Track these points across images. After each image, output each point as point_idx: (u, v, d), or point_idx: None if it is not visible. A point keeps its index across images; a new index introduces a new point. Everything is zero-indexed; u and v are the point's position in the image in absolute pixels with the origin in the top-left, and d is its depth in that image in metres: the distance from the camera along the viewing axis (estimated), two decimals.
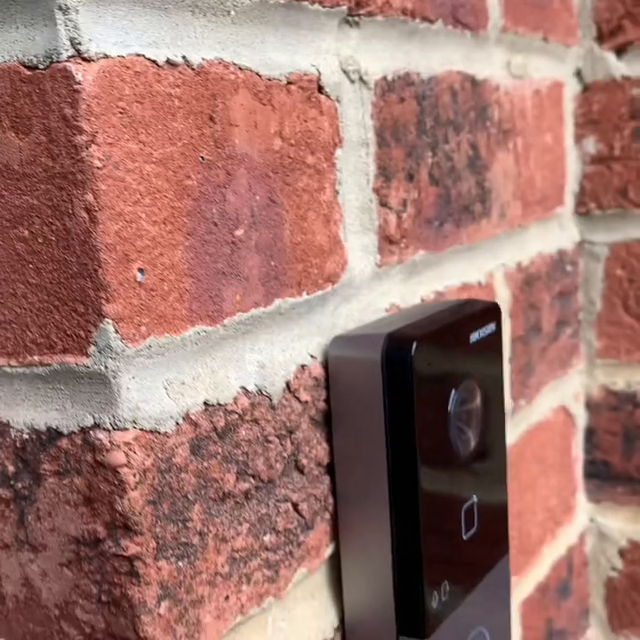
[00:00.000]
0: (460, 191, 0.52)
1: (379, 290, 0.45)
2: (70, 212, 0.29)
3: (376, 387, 0.38)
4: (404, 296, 0.47)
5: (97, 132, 0.28)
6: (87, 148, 0.28)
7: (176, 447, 0.32)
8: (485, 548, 0.44)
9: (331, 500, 0.41)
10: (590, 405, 0.72)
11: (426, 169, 0.48)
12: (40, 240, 0.30)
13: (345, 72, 0.41)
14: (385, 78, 0.44)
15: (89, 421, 0.31)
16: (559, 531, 0.69)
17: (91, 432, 0.31)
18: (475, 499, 0.43)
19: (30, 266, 0.30)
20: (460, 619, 0.42)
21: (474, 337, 0.42)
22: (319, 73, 0.39)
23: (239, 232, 0.35)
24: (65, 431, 0.31)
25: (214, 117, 0.33)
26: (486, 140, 0.55)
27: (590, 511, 0.73)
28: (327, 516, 0.41)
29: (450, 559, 0.41)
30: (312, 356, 0.39)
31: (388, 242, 0.45)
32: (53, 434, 0.32)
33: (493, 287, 0.56)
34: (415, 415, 0.38)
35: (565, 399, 0.69)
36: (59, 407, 0.31)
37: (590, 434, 0.72)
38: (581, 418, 0.72)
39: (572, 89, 0.68)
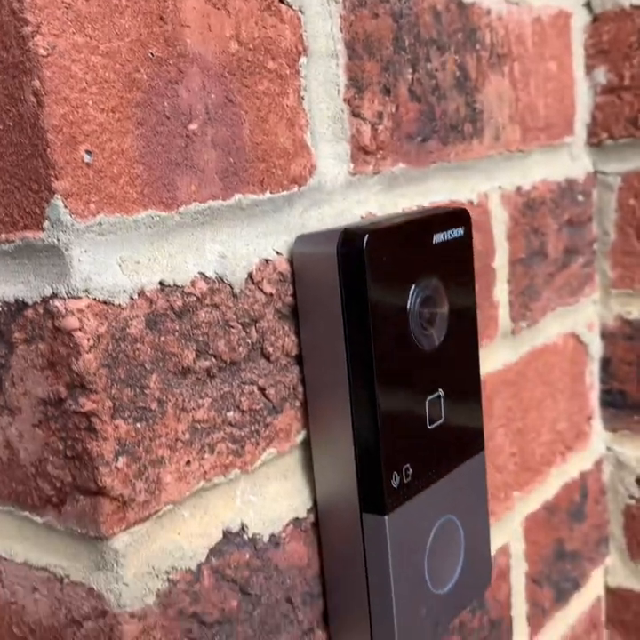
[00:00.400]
0: (446, 110, 0.53)
1: (354, 198, 0.47)
2: (22, 98, 0.32)
3: (333, 280, 0.41)
4: (383, 206, 0.49)
5: (41, 24, 0.32)
6: (33, 38, 0.32)
7: (130, 319, 0.35)
8: (455, 440, 0.46)
9: (300, 389, 0.44)
10: (605, 335, 0.73)
11: (405, 85, 0.50)
12: (0, 126, 0.33)
13: None
14: None
15: (48, 291, 0.34)
16: (570, 455, 0.70)
17: (50, 301, 0.34)
18: (441, 393, 0.45)
19: None
20: (425, 503, 0.44)
21: (437, 238, 0.44)
22: None
23: (193, 126, 0.37)
24: (30, 302, 0.35)
25: (164, 17, 0.36)
26: (476, 62, 0.56)
27: (607, 440, 0.74)
28: (297, 403, 0.43)
29: (412, 445, 0.43)
30: (278, 253, 0.42)
31: (362, 151, 0.47)
32: (20, 305, 0.35)
33: (487, 208, 0.58)
34: (369, 307, 0.40)
35: (577, 327, 0.70)
36: (23, 280, 0.35)
37: (606, 363, 0.73)
38: (596, 347, 0.73)
39: (581, 19, 0.69)
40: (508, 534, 0.62)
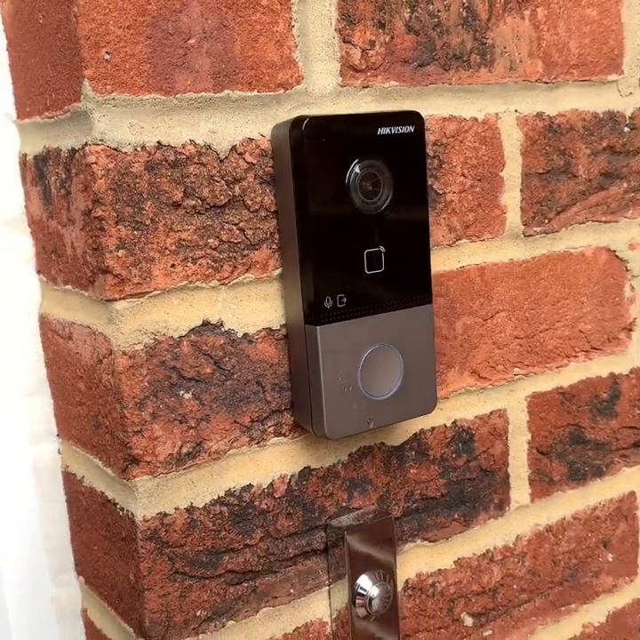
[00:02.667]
0: (449, 42, 0.68)
1: (344, 104, 0.64)
2: (66, 17, 0.54)
3: (287, 156, 0.58)
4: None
5: None
6: None
7: (132, 162, 0.56)
8: (396, 289, 0.62)
9: (277, 236, 0.62)
10: None
11: (402, 21, 0.65)
12: (51, 30, 0.55)
13: None
14: None
15: (83, 142, 0.55)
16: (596, 355, 0.80)
17: (84, 147, 0.55)
18: (382, 249, 0.61)
19: (48, 50, 0.56)
20: (360, 327, 0.60)
21: (383, 131, 0.60)
22: None
23: (191, 41, 0.57)
24: (77, 147, 0.56)
25: None
26: (488, 5, 0.69)
27: None
28: (274, 246, 0.62)
29: (347, 281, 0.60)
30: (262, 135, 0.60)
31: (351, 69, 0.64)
32: (73, 151, 0.57)
33: (494, 125, 0.71)
34: (307, 177, 0.57)
35: (615, 243, 0.80)
36: (75, 135, 0.56)
37: None
38: (637, 265, 0.82)
39: None
40: (504, 401, 0.75)
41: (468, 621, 0.76)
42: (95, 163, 0.54)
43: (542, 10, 0.72)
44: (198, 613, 0.62)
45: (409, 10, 0.65)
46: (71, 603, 0.72)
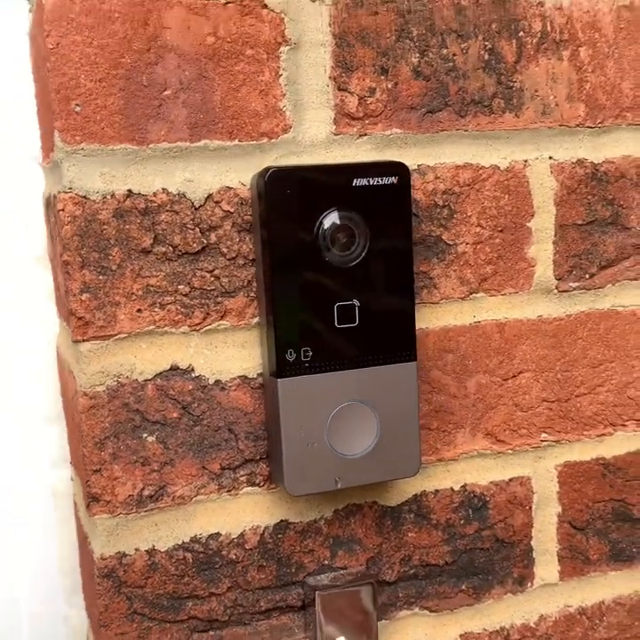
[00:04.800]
0: (465, 87, 0.65)
1: (339, 152, 0.62)
2: (45, 72, 0.57)
3: (257, 207, 0.58)
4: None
5: (51, 30, 0.55)
6: (46, 38, 0.55)
7: (100, 210, 0.58)
8: (369, 343, 0.59)
9: (254, 285, 0.61)
10: None
11: (409, 66, 0.63)
12: (44, 83, 0.58)
13: None
14: None
15: (56, 190, 0.58)
16: None
17: (56, 196, 0.58)
18: (356, 302, 0.59)
19: (44, 101, 0.59)
20: (329, 382, 0.59)
21: (360, 182, 0.58)
22: None
23: (167, 92, 0.58)
24: (54, 194, 0.59)
25: (148, 23, 0.57)
26: (517, 47, 0.65)
27: None
28: (252, 294, 0.61)
29: (314, 335, 0.58)
30: (242, 184, 0.60)
31: (347, 117, 0.62)
32: (53, 198, 0.60)
33: (521, 172, 0.67)
34: (269, 228, 0.56)
35: None
36: (55, 182, 0.59)
37: None
38: None
39: None
40: (528, 468, 0.70)
41: None
42: (62, 210, 0.57)
43: (586, 50, 0.67)
44: None
45: (418, 55, 0.63)
46: (82, 623, 0.75)
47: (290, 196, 0.56)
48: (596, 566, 0.73)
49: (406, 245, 0.60)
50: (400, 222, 0.59)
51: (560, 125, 0.67)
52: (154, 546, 0.61)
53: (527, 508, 0.70)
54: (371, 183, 0.58)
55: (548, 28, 0.66)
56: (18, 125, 0.69)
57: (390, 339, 0.60)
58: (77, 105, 0.56)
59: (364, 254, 0.58)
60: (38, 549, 0.73)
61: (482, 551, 0.70)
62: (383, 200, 0.59)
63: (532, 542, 0.71)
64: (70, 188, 0.57)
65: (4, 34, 0.68)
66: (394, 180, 0.58)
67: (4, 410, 0.71)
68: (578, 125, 0.68)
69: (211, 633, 0.63)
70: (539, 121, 0.67)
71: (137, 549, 0.61)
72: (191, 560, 0.62)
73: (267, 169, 0.57)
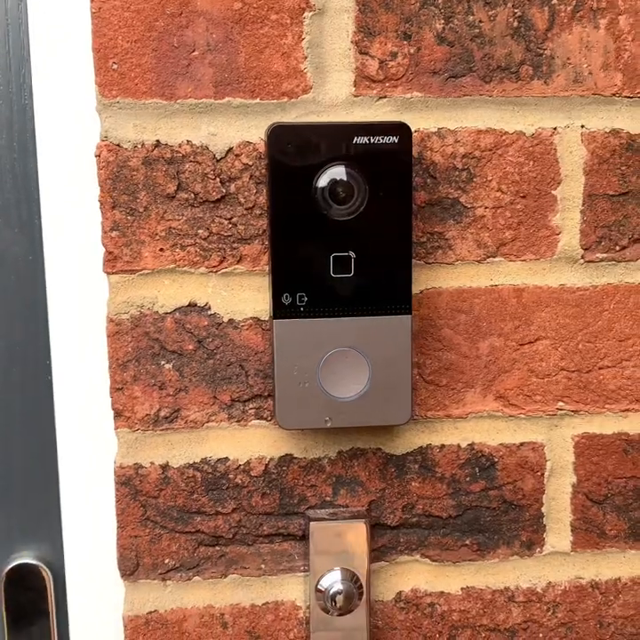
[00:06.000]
0: (491, 53, 0.66)
1: (359, 113, 0.66)
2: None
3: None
4: None
5: None
6: (91, 3, 0.63)
7: (131, 157, 0.65)
8: (364, 294, 0.63)
9: (268, 234, 0.67)
10: None
11: (432, 32, 0.66)
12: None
13: None
14: None
15: (100, 138, 0.66)
16: None
17: (99, 142, 0.66)
18: (352, 254, 0.63)
19: None
20: (321, 327, 0.63)
21: (360, 140, 0.62)
22: None
23: (195, 53, 0.64)
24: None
25: None
26: (549, 15, 0.66)
27: None
28: (266, 242, 0.67)
29: (308, 281, 0.63)
30: (262, 140, 0.66)
31: (367, 79, 0.66)
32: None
33: (548, 140, 0.67)
34: (272, 181, 0.61)
35: None
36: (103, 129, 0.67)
37: None
38: None
39: None
40: (542, 435, 0.71)
41: None
42: (98, 156, 0.64)
43: (626, 18, 0.66)
44: (166, 561, 0.69)
45: (443, 21, 0.65)
46: None
47: (291, 149, 0.61)
48: (613, 542, 0.73)
49: (406, 203, 0.63)
50: (400, 180, 0.62)
51: (594, 94, 0.67)
52: (167, 462, 0.68)
53: (539, 474, 0.71)
54: (371, 142, 0.61)
55: None
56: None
57: (386, 291, 0.63)
58: (114, 63, 0.63)
59: (362, 209, 0.62)
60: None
61: (488, 510, 0.71)
62: (384, 159, 0.62)
63: (543, 509, 0.72)
64: (106, 137, 0.64)
65: None
66: (395, 139, 0.61)
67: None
68: (614, 95, 0.67)
69: (216, 548, 0.70)
70: (570, 89, 0.67)
71: (152, 463, 0.68)
72: (200, 479, 0.68)
73: (272, 124, 0.61)
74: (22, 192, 0.70)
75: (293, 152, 0.61)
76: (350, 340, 0.64)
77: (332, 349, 0.63)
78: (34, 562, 0.77)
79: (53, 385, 0.70)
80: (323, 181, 0.61)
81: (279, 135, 0.61)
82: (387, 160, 0.62)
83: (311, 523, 0.68)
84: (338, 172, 0.61)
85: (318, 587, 0.68)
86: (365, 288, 0.63)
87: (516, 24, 0.65)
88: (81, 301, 0.68)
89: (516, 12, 0.65)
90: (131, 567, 0.69)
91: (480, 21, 0.65)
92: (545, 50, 0.66)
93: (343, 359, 0.64)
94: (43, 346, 0.70)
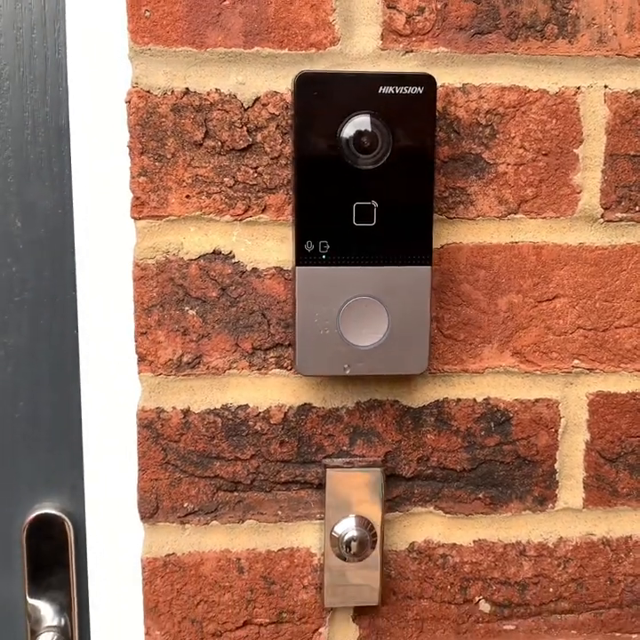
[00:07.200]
0: (517, 11, 0.67)
1: (385, 67, 0.67)
2: None
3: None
4: None
5: None
6: None
7: (160, 104, 0.66)
8: (385, 244, 0.64)
9: (292, 182, 0.68)
10: None
11: None
12: None
13: None
14: None
15: (130, 84, 0.67)
16: None
17: (129, 89, 0.67)
18: (375, 203, 0.64)
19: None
20: (342, 275, 0.64)
21: (386, 90, 0.63)
22: None
23: (226, 3, 0.65)
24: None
25: None
26: None
27: None
28: (291, 192, 0.68)
29: (331, 230, 0.64)
30: (289, 90, 0.67)
31: (394, 33, 0.67)
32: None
33: (571, 99, 0.68)
34: (297, 127, 0.63)
35: None
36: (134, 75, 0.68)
37: None
38: None
39: None
40: (556, 392, 0.72)
41: (486, 607, 0.74)
42: (129, 102, 0.66)
43: None
44: (185, 505, 0.71)
45: None
46: None
47: (317, 97, 0.62)
48: (625, 500, 0.74)
49: (429, 154, 0.64)
50: (424, 131, 0.63)
51: (617, 54, 0.68)
52: (189, 407, 0.69)
53: (553, 430, 0.72)
54: (397, 92, 0.62)
55: None
56: None
57: (407, 242, 0.64)
58: (147, 10, 0.64)
59: (385, 159, 0.63)
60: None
61: (502, 464, 0.72)
62: (408, 109, 0.63)
63: (556, 465, 0.73)
64: (136, 84, 0.65)
65: None
66: (419, 90, 0.62)
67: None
68: (638, 56, 0.68)
69: (234, 493, 0.71)
70: (594, 49, 0.67)
71: (174, 408, 0.69)
72: (220, 424, 0.70)
73: (299, 72, 0.62)
74: (54, 146, 0.71)
75: (319, 100, 0.62)
76: (370, 288, 0.65)
77: (353, 297, 0.65)
78: (56, 512, 0.78)
79: (79, 333, 0.71)
80: (348, 130, 0.62)
81: (306, 83, 0.62)
82: (411, 110, 0.63)
83: (328, 470, 0.69)
84: (363, 121, 0.62)
85: (333, 533, 0.70)
86: (386, 238, 0.64)
87: None
88: (108, 249, 0.69)
89: None
90: (150, 510, 0.71)
91: None
92: (570, 9, 0.67)
93: (363, 307, 0.65)
94: (70, 297, 0.72)
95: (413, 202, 0.64)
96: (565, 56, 0.67)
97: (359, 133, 0.62)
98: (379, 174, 0.63)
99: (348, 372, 0.66)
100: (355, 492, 0.69)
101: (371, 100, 0.62)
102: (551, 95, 0.68)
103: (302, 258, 0.64)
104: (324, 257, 0.64)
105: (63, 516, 0.78)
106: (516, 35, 0.67)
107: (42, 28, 0.70)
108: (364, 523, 0.70)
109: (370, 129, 0.62)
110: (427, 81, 0.62)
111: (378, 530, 0.70)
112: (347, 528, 0.70)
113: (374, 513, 0.70)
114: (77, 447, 0.73)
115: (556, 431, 0.72)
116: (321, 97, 0.62)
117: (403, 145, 0.63)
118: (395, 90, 0.62)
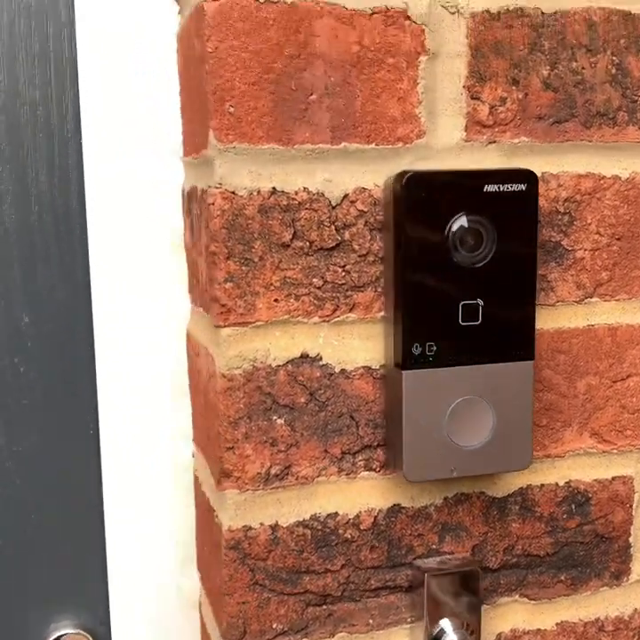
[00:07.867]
0: (592, 99, 0.67)
1: (468, 158, 0.65)
2: (200, 74, 0.61)
3: (391, 206, 0.61)
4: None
5: (211, 35, 0.59)
6: (206, 42, 0.59)
7: (246, 205, 0.61)
8: (490, 342, 0.62)
9: (382, 281, 0.65)
10: None
11: (539, 78, 0.66)
12: (195, 83, 0.62)
13: (443, 7, 0.63)
14: (488, 11, 0.64)
15: (207, 184, 0.62)
16: None
17: (206, 190, 0.62)
18: (480, 302, 0.62)
19: (195, 100, 0.63)
20: (449, 376, 0.62)
21: (491, 188, 0.61)
22: (407, 6, 0.62)
23: (313, 97, 0.62)
24: (204, 188, 0.63)
25: (300, 30, 0.61)
26: None
27: None
28: (379, 289, 0.65)
29: (438, 331, 0.61)
30: (377, 185, 0.64)
31: (477, 124, 0.65)
32: (203, 192, 0.64)
33: None
34: (405, 229, 0.60)
35: None
36: (205, 177, 0.63)
37: None
38: None
39: None
40: (631, 468, 0.73)
41: None
42: (212, 204, 0.61)
43: None
44: (274, 626, 0.66)
45: (548, 67, 0.65)
46: (193, 594, 0.80)
47: (424, 198, 0.60)
48: None
49: (531, 250, 0.63)
50: (527, 228, 0.62)
51: None
52: (277, 521, 0.65)
53: (628, 505, 0.73)
54: (501, 189, 0.61)
55: None
56: (159, 120, 0.73)
57: (510, 338, 0.63)
58: (231, 106, 0.60)
59: (490, 257, 0.62)
60: (157, 519, 0.78)
61: (582, 545, 0.72)
62: (511, 206, 0.61)
63: (631, 539, 0.74)
64: (220, 184, 0.61)
65: (149, 33, 0.72)
66: (523, 187, 0.61)
67: (134, 387, 0.75)
68: None
69: (324, 607, 0.67)
70: None
71: (262, 524, 0.65)
72: (310, 537, 0.66)
73: (404, 172, 0.60)
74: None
75: (427, 200, 0.60)
76: (475, 387, 0.63)
77: (459, 398, 0.63)
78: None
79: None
80: (453, 229, 0.61)
81: (414, 183, 0.59)
82: (514, 207, 0.62)
83: (426, 574, 0.67)
84: (469, 220, 0.61)
85: (435, 636, 0.67)
86: (491, 335, 0.63)
87: (614, 71, 0.67)
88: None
89: (614, 60, 0.67)
90: (237, 635, 0.66)
91: (582, 68, 0.66)
92: (639, 97, 0.68)
93: (468, 407, 0.63)
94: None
95: (517, 298, 0.63)
96: (635, 142, 0.68)
97: (466, 232, 0.61)
98: (484, 272, 0.62)
99: (454, 474, 0.64)
100: (451, 593, 0.67)
101: (476, 198, 0.61)
102: (623, 181, 0.68)
103: (409, 361, 0.61)
104: (431, 359, 0.62)
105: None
106: (591, 122, 0.67)
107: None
108: (460, 623, 0.68)
109: (476, 228, 0.61)
110: (529, 177, 0.61)
111: (477, 632, 0.68)
112: (446, 631, 0.67)
113: (471, 614, 0.68)
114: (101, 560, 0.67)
115: (631, 506, 0.73)
116: (428, 197, 0.60)
117: (507, 242, 0.62)
118: (499, 188, 0.61)
